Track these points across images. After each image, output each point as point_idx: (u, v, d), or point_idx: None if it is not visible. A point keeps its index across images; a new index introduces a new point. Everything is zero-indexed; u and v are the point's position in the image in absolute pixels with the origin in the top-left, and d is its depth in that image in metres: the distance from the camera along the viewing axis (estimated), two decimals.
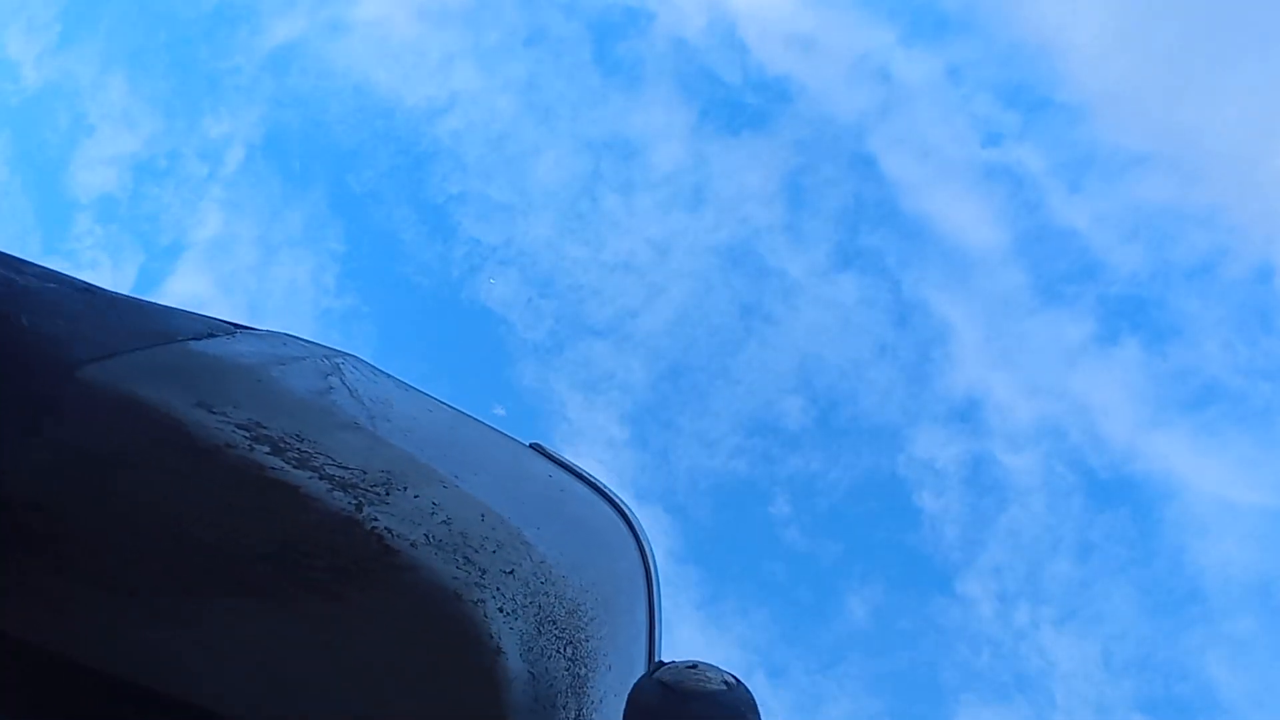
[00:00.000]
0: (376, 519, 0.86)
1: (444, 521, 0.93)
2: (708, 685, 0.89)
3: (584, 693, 1.03)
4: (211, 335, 1.11)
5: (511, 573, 0.95)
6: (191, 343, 1.03)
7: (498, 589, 0.90)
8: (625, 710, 0.91)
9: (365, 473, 0.93)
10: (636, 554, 1.69)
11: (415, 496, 0.95)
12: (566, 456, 1.84)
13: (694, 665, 0.93)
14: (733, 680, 0.92)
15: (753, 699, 0.91)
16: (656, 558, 1.85)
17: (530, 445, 1.80)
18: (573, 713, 0.98)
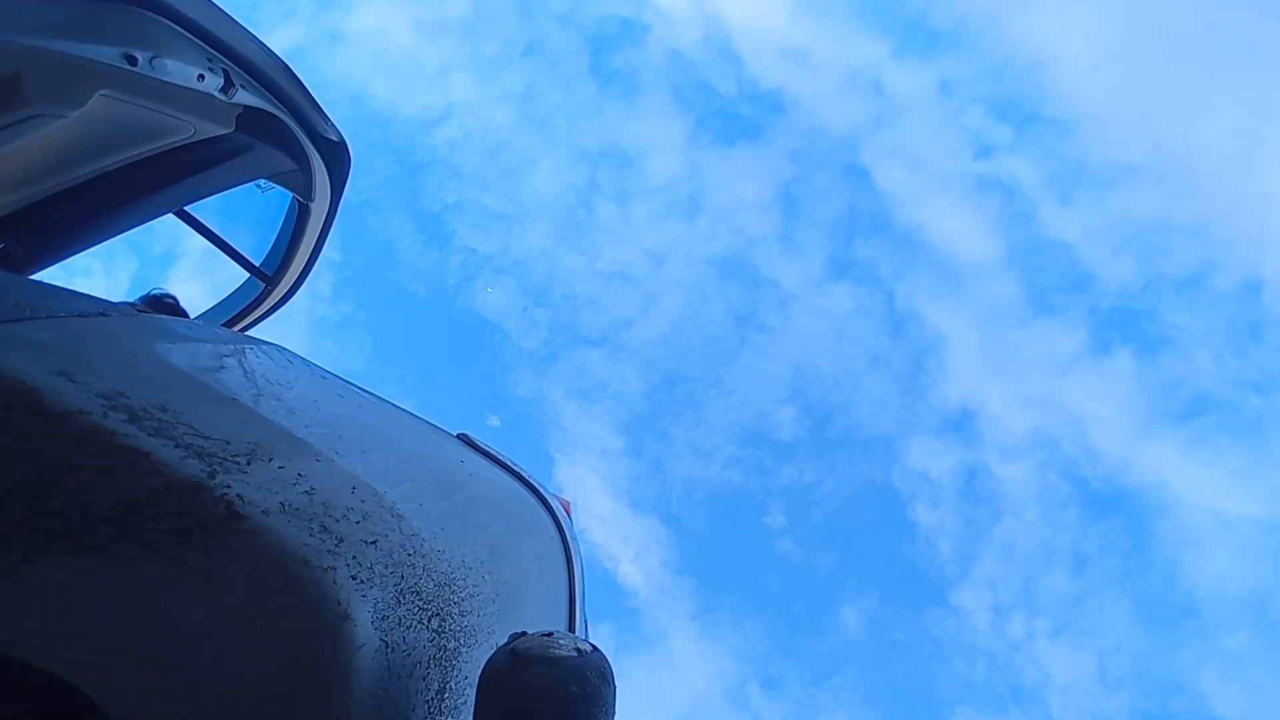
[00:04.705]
0: (229, 486, 0.88)
1: (306, 492, 0.95)
2: (555, 651, 0.90)
3: (452, 666, 1.04)
4: (102, 315, 1.13)
5: (374, 543, 0.97)
6: (74, 319, 1.05)
7: (354, 557, 0.92)
8: (479, 679, 0.92)
9: (229, 443, 0.95)
10: (556, 542, 1.70)
11: (280, 467, 0.97)
12: (494, 448, 1.86)
13: (550, 634, 0.94)
14: (587, 648, 0.93)
15: (605, 667, 0.92)
16: (581, 548, 1.86)
17: (457, 435, 1.81)
18: (435, 684, 0.99)
